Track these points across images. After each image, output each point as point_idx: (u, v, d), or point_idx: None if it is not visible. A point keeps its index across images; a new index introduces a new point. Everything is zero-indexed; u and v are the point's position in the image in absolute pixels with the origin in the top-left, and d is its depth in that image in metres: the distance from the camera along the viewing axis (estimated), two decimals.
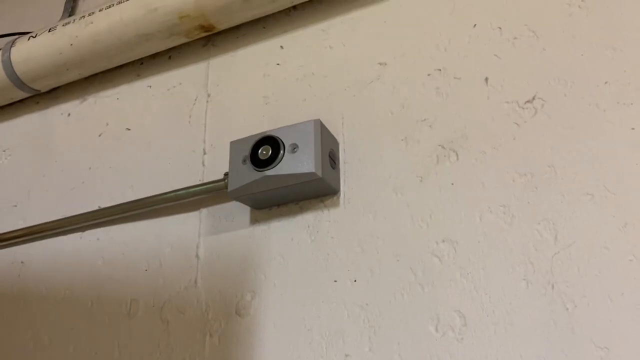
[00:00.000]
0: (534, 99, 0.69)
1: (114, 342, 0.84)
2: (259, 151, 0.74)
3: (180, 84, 0.99)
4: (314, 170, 0.71)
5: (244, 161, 0.75)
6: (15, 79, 1.06)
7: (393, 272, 0.69)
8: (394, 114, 0.77)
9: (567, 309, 0.59)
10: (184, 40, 0.98)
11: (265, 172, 0.72)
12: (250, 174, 0.74)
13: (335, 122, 0.80)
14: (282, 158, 0.72)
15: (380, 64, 0.81)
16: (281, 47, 0.91)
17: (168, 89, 1.00)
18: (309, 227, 0.77)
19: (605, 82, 0.66)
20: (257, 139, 0.75)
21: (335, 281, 0.72)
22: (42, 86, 1.09)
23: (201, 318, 0.79)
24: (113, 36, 0.97)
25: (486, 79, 0.73)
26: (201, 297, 0.80)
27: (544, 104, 0.68)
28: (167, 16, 0.92)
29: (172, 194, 0.85)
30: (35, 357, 0.89)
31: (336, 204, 0.76)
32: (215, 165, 0.88)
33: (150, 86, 1.02)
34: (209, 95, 0.95)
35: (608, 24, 0.68)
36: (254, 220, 0.81)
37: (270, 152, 0.73)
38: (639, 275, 0.57)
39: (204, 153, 0.90)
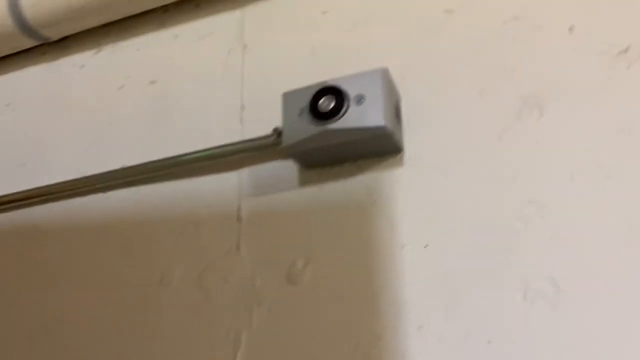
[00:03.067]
0: (627, 49, 0.63)
1: (147, 314, 0.76)
2: (320, 102, 0.66)
3: (211, 33, 0.90)
4: (384, 124, 0.63)
5: (301, 113, 0.68)
6: (23, 24, 0.96)
7: (471, 236, 0.62)
8: (466, 64, 0.70)
9: None
10: None
11: (328, 125, 0.65)
12: (310, 128, 0.66)
13: (397, 75, 0.73)
14: (347, 110, 0.65)
15: (447, 11, 0.74)
16: None
17: (198, 40, 0.91)
18: (368, 188, 0.70)
19: None
20: (317, 89, 0.67)
21: (403, 246, 0.65)
22: (54, 33, 0.99)
23: (247, 286, 0.72)
24: None
25: (571, 28, 0.66)
26: (245, 264, 0.73)
27: None
28: None
29: (211, 151, 0.78)
30: (55, 331, 0.81)
31: (400, 164, 0.69)
32: (256, 121, 0.80)
33: (177, 36, 0.93)
34: (245, 46, 0.86)
35: None
36: (304, 181, 0.74)
37: (333, 103, 0.66)
38: None
39: (242, 109, 0.82)
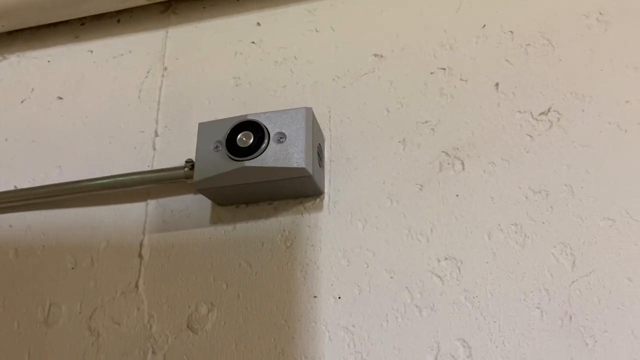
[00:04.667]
0: (549, 111, 0.63)
1: (24, 355, 0.67)
2: (238, 137, 0.62)
3: (129, 52, 0.85)
4: (304, 166, 0.60)
5: (217, 148, 0.63)
6: None
7: (386, 290, 0.60)
8: (391, 113, 0.69)
9: (587, 344, 0.53)
10: (139, 2, 0.84)
11: (245, 162, 0.61)
12: (226, 164, 0.62)
13: (321, 115, 0.70)
14: (266, 147, 0.61)
15: (376, 55, 0.73)
16: (258, 24, 0.80)
17: (114, 57, 0.85)
18: (284, 231, 0.66)
19: (627, 101, 0.62)
20: (236, 122, 0.63)
21: (315, 297, 0.62)
22: None
23: (142, 330, 0.65)
24: None
25: (497, 85, 0.66)
26: (143, 306, 0.66)
27: (560, 117, 0.63)
28: None
29: (117, 179, 0.71)
30: None
31: (319, 208, 0.66)
32: (169, 150, 0.75)
33: (92, 51, 0.87)
34: (165, 69, 0.81)
35: (628, 42, 0.65)
36: (216, 219, 0.69)
37: (252, 139, 0.62)
38: None
39: (156, 135, 0.77)
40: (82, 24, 0.89)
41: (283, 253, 0.65)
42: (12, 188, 0.78)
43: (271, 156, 0.61)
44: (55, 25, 0.90)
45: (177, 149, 0.74)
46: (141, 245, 0.70)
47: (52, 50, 0.89)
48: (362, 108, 0.70)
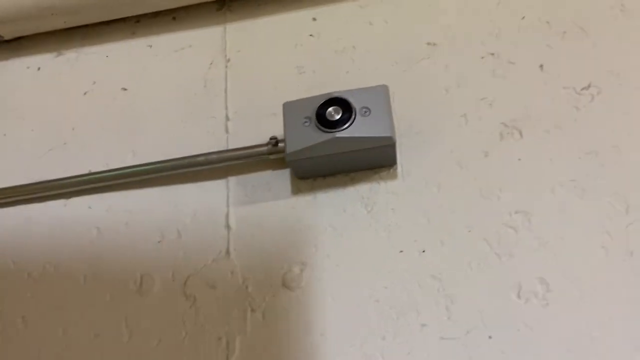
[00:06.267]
0: (589, 86, 0.74)
1: (121, 322, 0.71)
2: (327, 112, 0.70)
3: (190, 46, 0.91)
4: (390, 135, 0.68)
5: (307, 122, 0.70)
6: None
7: (466, 242, 0.68)
8: (450, 92, 0.78)
9: None
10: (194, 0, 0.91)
11: (337, 133, 0.68)
12: (317, 136, 0.69)
13: None
14: (353, 121, 0.69)
15: (429, 43, 0.82)
16: (314, 19, 0.88)
17: (175, 51, 0.91)
18: (363, 198, 0.73)
19: None
20: (323, 99, 0.71)
21: (401, 251, 0.69)
22: (7, 32, 0.93)
23: (238, 291, 0.70)
24: None
25: (541, 66, 0.77)
26: (236, 270, 0.72)
27: (599, 91, 0.73)
28: None
29: (201, 158, 0.77)
30: (4, 342, 0.73)
31: (393, 176, 0.74)
32: (241, 132, 0.81)
33: (151, 46, 0.92)
34: (228, 60, 0.88)
35: None
36: (297, 190, 0.75)
37: (340, 113, 0.69)
38: None
39: (227, 119, 0.83)
40: (137, 22, 0.95)
41: (365, 217, 0.72)
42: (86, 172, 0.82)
43: (359, 127, 0.68)
44: (108, 23, 0.95)
45: (250, 131, 0.81)
46: (227, 217, 0.75)
47: (110, 46, 0.93)
48: (423, 89, 0.78)
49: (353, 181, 0.74)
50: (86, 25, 0.95)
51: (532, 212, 0.68)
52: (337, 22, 0.87)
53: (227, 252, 0.73)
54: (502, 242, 0.67)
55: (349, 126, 0.68)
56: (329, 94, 0.71)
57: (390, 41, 0.84)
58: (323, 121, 0.69)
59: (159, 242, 0.76)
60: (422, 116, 0.77)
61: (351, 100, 0.70)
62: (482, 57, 0.79)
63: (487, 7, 0.83)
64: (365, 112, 0.69)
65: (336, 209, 0.73)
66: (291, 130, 0.71)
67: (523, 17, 0.81)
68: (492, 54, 0.79)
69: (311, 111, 0.70)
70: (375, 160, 0.73)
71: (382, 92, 0.71)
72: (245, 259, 0.72)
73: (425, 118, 0.76)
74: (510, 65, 0.78)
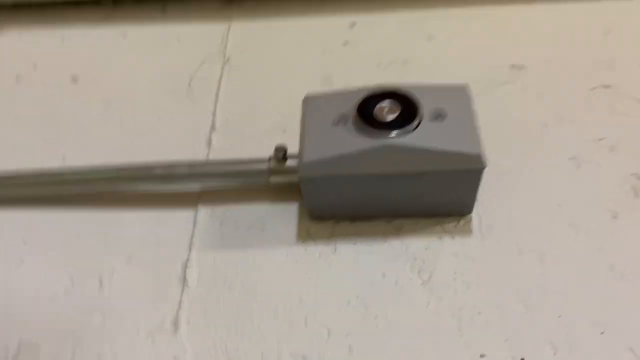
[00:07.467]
0: None
1: None
2: (375, 109, 0.43)
3: (177, 40, 0.66)
4: (478, 152, 0.41)
5: (338, 122, 0.43)
6: None
7: (597, 346, 0.38)
8: (549, 127, 0.52)
9: None
10: None
11: (390, 140, 0.41)
12: (356, 141, 0.42)
13: None
14: (418, 125, 0.42)
15: (514, 66, 0.58)
16: (354, 23, 0.65)
17: (156, 44, 0.66)
18: (416, 260, 0.44)
19: None
20: (370, 92, 0.45)
21: (482, 356, 0.39)
22: None
23: None
24: None
25: None
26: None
27: None
28: None
29: (158, 170, 0.49)
30: None
31: (465, 231, 0.46)
32: (228, 147, 0.54)
33: (125, 36, 0.68)
34: (227, 60, 0.63)
35: None
36: (306, 236, 0.47)
37: (398, 112, 0.43)
38: None
39: (213, 129, 0.56)
40: (115, 6, 0.71)
41: (418, 290, 0.43)
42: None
43: (428, 135, 0.42)
44: (78, 4, 0.71)
45: (241, 148, 0.54)
46: (185, 266, 0.46)
47: (72, 30, 0.69)
48: (508, 119, 0.53)
49: (400, 232, 0.46)
50: (50, 3, 0.70)
51: None
52: (383, 29, 0.64)
53: (175, 325, 0.42)
54: None
55: (410, 132, 0.42)
56: (377, 86, 0.45)
57: (455, 57, 0.60)
58: (369, 120, 0.43)
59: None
60: (512, 153, 0.50)
61: (417, 97, 0.44)
62: (593, 88, 0.55)
63: (593, 36, 0.61)
64: (439, 116, 0.43)
65: (371, 273, 0.44)
66: (313, 133, 0.44)
67: None
68: (607, 86, 0.55)
69: (349, 106, 0.44)
70: (441, 200, 0.45)
71: (464, 93, 0.45)
72: (200, 344, 0.41)
73: (517, 156, 0.50)
74: (632, 102, 0.54)
